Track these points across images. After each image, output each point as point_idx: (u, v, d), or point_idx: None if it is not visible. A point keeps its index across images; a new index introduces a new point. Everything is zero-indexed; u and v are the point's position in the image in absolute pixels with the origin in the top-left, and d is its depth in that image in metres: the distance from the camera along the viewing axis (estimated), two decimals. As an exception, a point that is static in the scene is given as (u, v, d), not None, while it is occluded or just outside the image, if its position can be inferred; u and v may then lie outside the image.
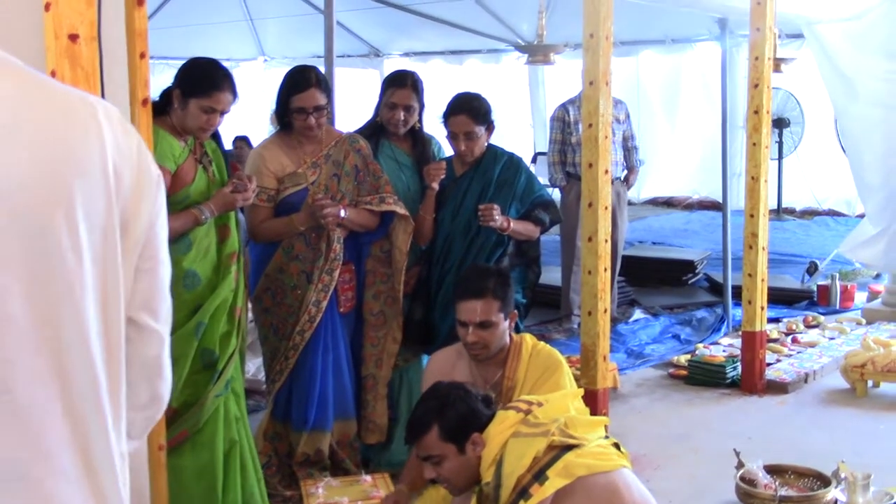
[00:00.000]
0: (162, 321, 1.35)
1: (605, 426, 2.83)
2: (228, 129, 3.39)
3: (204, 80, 3.20)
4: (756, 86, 4.93)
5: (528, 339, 3.37)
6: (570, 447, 2.55)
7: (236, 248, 3.36)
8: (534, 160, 9.79)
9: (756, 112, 4.94)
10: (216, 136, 3.44)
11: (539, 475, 2.50)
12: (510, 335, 3.33)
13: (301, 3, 9.27)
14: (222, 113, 3.25)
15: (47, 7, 2.12)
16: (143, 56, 2.49)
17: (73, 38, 2.14)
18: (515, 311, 3.40)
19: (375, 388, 3.90)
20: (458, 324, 3.29)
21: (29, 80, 1.18)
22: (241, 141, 7.84)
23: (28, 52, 2.18)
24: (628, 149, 6.52)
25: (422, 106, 4.07)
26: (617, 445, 2.72)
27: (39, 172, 1.12)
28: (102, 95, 2.24)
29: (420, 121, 4.11)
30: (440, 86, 8.80)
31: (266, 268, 3.71)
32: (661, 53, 10.87)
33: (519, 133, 11.46)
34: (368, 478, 3.63)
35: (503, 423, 2.65)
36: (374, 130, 4.07)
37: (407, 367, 4.07)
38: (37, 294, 1.14)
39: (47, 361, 1.17)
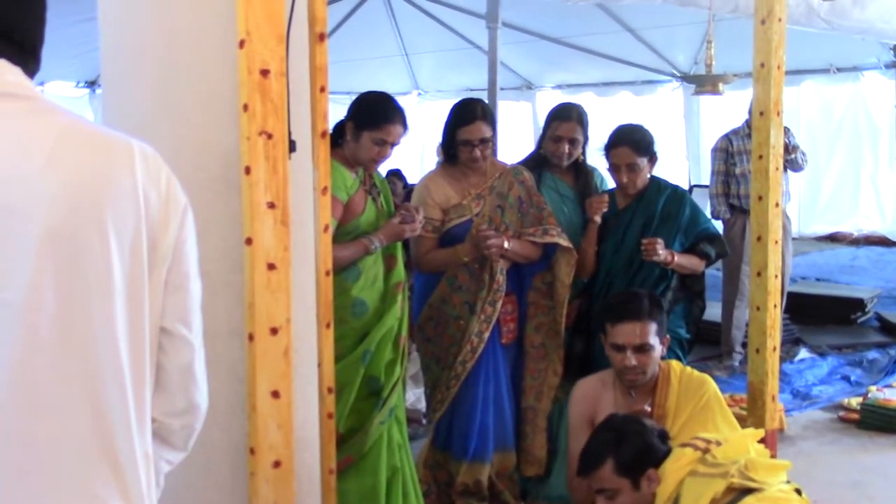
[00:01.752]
0: (194, 332, 1.48)
1: (786, 471, 2.69)
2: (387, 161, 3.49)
3: (377, 113, 3.29)
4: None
5: (676, 365, 3.28)
6: (749, 490, 2.44)
7: (402, 278, 3.42)
8: (689, 192, 9.54)
9: (938, 143, 4.68)
10: (400, 174, 3.55)
11: None
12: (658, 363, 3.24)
13: (455, 37, 9.45)
14: (393, 145, 3.33)
15: (241, 44, 2.22)
16: (322, 90, 2.58)
17: (265, 73, 2.23)
18: (668, 337, 3.31)
19: (535, 421, 3.87)
20: (611, 348, 3.22)
21: (75, 124, 1.37)
22: (394, 175, 7.97)
23: (222, 86, 2.30)
24: (793, 155, 6.24)
25: (585, 139, 4.06)
26: (798, 491, 2.59)
27: (74, 193, 1.31)
28: (289, 128, 2.33)
29: (584, 153, 4.10)
30: (592, 118, 8.73)
31: (430, 298, 3.75)
32: (825, 84, 10.47)
33: (674, 165, 11.24)
34: (528, 511, 3.59)
35: (680, 461, 2.58)
36: (537, 162, 4.08)
37: (567, 400, 4.02)
38: (69, 296, 1.30)
39: (76, 359, 1.31)
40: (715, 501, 2.44)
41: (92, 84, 10.33)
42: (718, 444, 2.62)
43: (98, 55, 2.45)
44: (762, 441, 2.73)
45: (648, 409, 3.16)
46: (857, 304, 7.19)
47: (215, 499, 2.34)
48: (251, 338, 2.23)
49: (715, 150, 6.27)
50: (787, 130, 6.21)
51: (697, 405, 3.10)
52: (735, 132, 6.16)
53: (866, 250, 10.67)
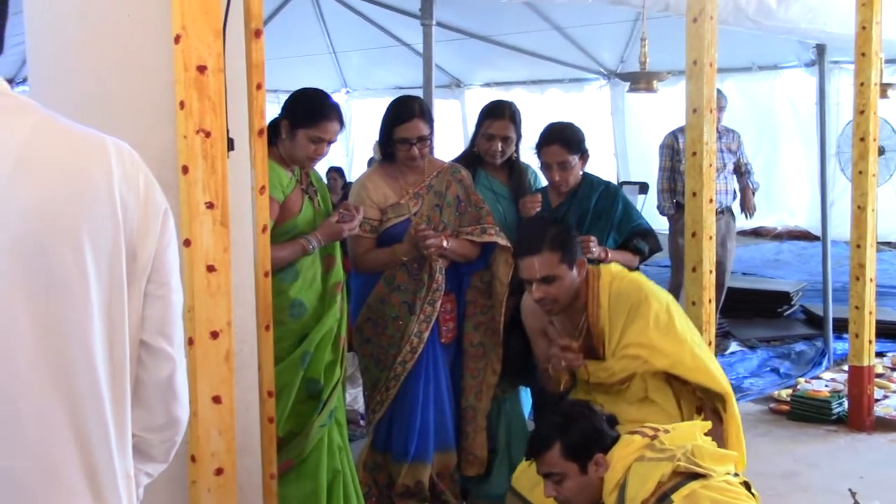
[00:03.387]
0: (175, 345, 1.41)
1: (735, 462, 2.72)
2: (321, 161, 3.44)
3: (312, 111, 3.23)
4: (862, 112, 4.80)
5: (606, 275, 3.24)
6: (696, 476, 2.46)
7: (341, 278, 3.37)
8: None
9: (862, 139, 4.81)
10: (341, 172, 3.50)
11: (663, 499, 2.43)
12: (587, 278, 3.23)
13: (382, 35, 9.39)
14: (329, 142, 3.27)
15: (177, 39, 2.15)
16: (259, 87, 2.52)
17: (202, 69, 2.17)
18: (584, 260, 3.28)
19: (475, 420, 3.85)
20: (525, 283, 3.23)
21: (46, 122, 1.29)
22: (335, 172, 7.92)
23: (157, 83, 2.22)
24: (742, 173, 6.40)
25: (519, 136, 4.05)
26: (748, 485, 2.62)
27: (46, 203, 1.22)
28: (227, 126, 2.27)
29: (517, 151, 4.09)
30: (522, 115, 8.77)
31: (368, 298, 3.69)
32: (747, 82, 10.68)
33: (602, 163, 11.36)
34: (469, 510, 3.58)
35: (628, 447, 2.59)
36: (470, 161, 4.06)
37: (505, 398, 4.01)
38: (42, 313, 1.22)
39: (52, 376, 1.23)
40: (661, 484, 2.45)
41: (11, 81, 10.00)
42: (667, 431, 2.63)
43: (22, 50, 2.34)
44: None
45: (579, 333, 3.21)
46: (784, 298, 7.35)
47: (154, 510, 2.26)
48: (191, 342, 2.17)
49: (662, 147, 6.35)
50: (741, 148, 6.33)
51: (629, 316, 3.13)
52: (682, 129, 6.22)
53: (790, 245, 10.94)
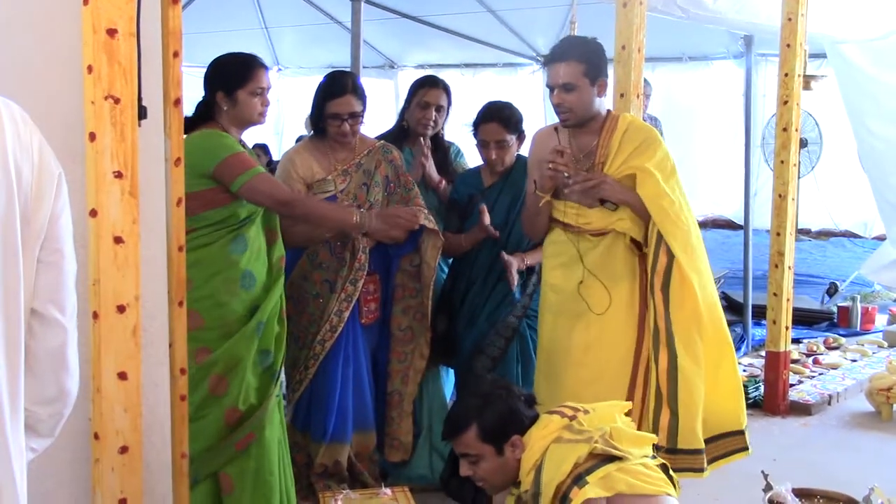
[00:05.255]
0: (68, 315, 1.37)
1: (653, 445, 2.73)
2: (247, 137, 3.40)
3: (241, 68, 3.22)
4: (785, 103, 4.87)
5: (628, 115, 3.45)
6: (612, 458, 2.47)
7: (283, 253, 3.34)
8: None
9: (785, 129, 4.88)
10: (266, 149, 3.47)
11: (578, 479, 2.42)
12: (607, 110, 3.39)
13: (316, 13, 9.26)
14: (267, 90, 3.26)
15: (86, 1, 2.07)
16: (176, 55, 2.44)
17: (112, 32, 2.09)
18: (606, 81, 3.37)
19: (401, 405, 3.82)
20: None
21: None
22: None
23: (65, 46, 2.14)
24: None
25: (448, 110, 4.06)
26: (666, 468, 2.63)
27: None
28: (139, 93, 2.19)
29: (441, 128, 4.09)
30: (456, 97, 8.75)
31: (290, 275, 3.63)
32: (677, 71, 10.81)
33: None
34: (388, 491, 3.53)
35: (546, 429, 2.58)
36: (397, 137, 4.04)
37: (426, 379, 3.98)
38: None
39: None
40: (577, 466, 2.45)
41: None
42: (586, 412, 2.63)
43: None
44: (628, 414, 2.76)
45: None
46: (706, 284, 7.44)
47: (53, 489, 2.19)
48: (95, 316, 2.10)
49: None
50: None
51: (640, 147, 3.29)
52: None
53: (713, 233, 11.12)
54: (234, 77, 3.20)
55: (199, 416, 3.04)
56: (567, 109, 3.30)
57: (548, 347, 3.50)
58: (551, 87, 3.32)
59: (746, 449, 3.49)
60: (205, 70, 3.28)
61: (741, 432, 3.47)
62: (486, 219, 3.73)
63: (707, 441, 3.33)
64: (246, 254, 3.18)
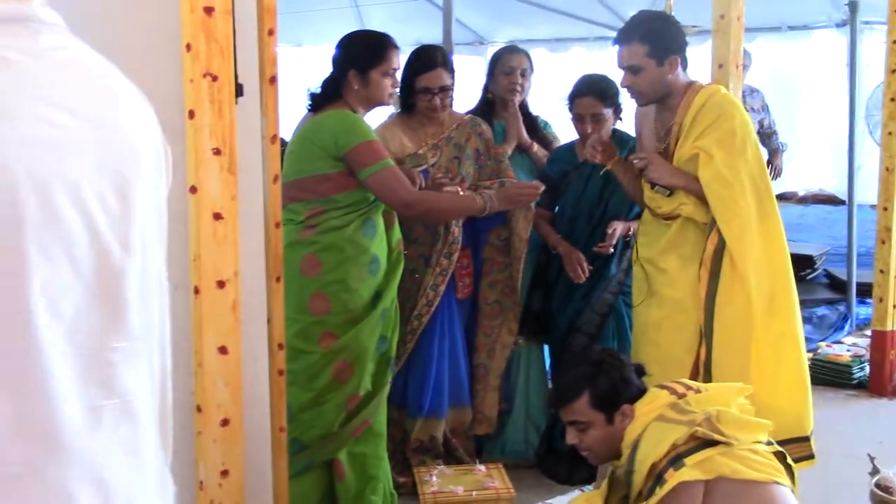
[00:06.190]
0: None
1: (768, 432, 2.54)
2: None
3: (376, 47, 3.18)
4: (893, 71, 4.66)
5: (710, 89, 3.31)
6: (714, 443, 2.38)
7: (401, 236, 3.33)
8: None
9: (893, 100, 4.68)
10: None
11: (675, 461, 2.34)
12: (690, 83, 3.29)
13: (407, -10, 9.28)
14: (396, 70, 3.23)
15: (184, -21, 2.09)
16: (271, 33, 2.46)
17: (209, 10, 2.11)
18: (677, 57, 3.27)
19: (486, 379, 3.81)
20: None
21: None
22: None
23: (164, 25, 2.17)
24: (768, 135, 6.28)
25: (530, 77, 4.05)
26: (783, 455, 2.52)
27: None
28: (235, 71, 2.21)
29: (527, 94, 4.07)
30: (546, 74, 8.66)
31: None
32: (777, 41, 10.47)
33: (629, 121, 11.23)
34: (482, 467, 3.54)
35: (652, 403, 2.50)
36: (482, 112, 4.00)
37: (524, 354, 3.94)
38: None
39: None
40: (675, 447, 2.36)
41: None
42: (697, 391, 2.54)
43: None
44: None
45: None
46: (807, 261, 7.23)
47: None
48: (197, 291, 2.13)
49: None
50: (766, 108, 6.19)
51: (712, 123, 3.19)
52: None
53: (814, 208, 10.78)
54: (368, 56, 3.15)
55: (322, 401, 3.03)
56: (636, 91, 3.26)
57: (634, 323, 3.50)
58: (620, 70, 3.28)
59: (812, 457, 3.30)
60: (334, 48, 3.25)
61: (806, 438, 3.29)
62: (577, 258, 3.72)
63: None
64: (375, 238, 3.15)
